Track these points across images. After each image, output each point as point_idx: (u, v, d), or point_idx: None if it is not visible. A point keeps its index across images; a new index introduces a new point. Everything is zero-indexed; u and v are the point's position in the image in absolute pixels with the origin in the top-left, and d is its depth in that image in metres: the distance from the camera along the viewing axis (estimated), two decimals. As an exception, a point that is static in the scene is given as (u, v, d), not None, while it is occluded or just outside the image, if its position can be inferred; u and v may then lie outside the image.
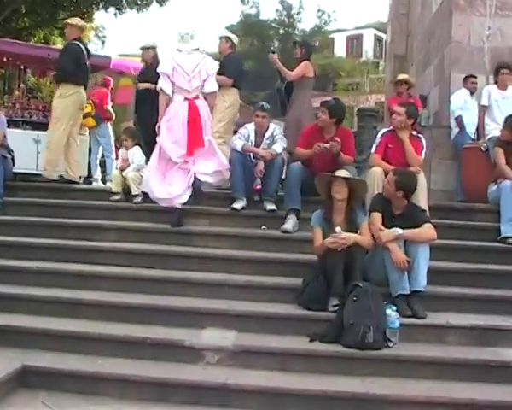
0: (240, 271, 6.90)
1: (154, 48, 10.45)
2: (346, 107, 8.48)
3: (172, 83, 8.31)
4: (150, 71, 9.82)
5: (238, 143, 8.16)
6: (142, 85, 10.15)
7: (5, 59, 13.76)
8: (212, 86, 8.55)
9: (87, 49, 10.09)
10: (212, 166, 8.34)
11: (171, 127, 8.23)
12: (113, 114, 12.94)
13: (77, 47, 9.71)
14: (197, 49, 8.58)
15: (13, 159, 9.20)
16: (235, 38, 10.39)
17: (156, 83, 8.71)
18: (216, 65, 8.67)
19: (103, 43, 33.16)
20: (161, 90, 8.36)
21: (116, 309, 6.23)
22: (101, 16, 79.43)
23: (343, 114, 8.11)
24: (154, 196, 8.14)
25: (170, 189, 8.10)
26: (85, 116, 11.78)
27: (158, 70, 8.51)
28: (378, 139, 7.83)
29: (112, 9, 25.49)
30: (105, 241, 7.56)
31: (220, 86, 9.13)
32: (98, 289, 6.60)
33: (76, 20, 10.08)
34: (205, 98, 8.52)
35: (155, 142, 8.32)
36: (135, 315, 6.12)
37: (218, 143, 8.87)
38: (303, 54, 10.00)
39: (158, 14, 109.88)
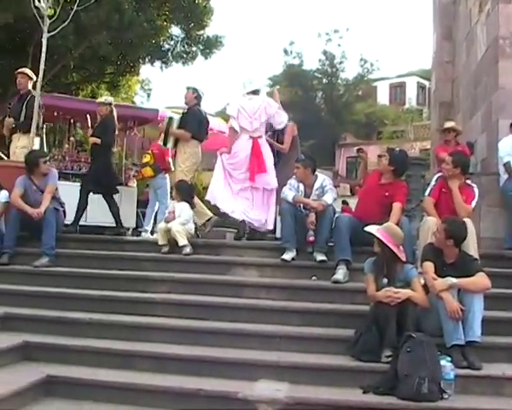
0: (291, 322, 6.86)
1: (110, 104, 10.93)
2: (408, 162, 8.46)
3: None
4: (100, 125, 10.90)
5: (289, 194, 8.22)
6: (91, 140, 10.97)
7: (56, 113, 14.05)
8: (279, 122, 9.75)
9: None
10: (258, 215, 9.33)
11: (236, 162, 9.37)
12: (173, 167, 13.09)
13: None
14: (257, 91, 9.68)
15: (64, 211, 9.35)
16: (201, 91, 10.73)
17: (102, 138, 10.46)
18: (275, 106, 9.64)
19: (149, 96, 33.64)
20: (232, 127, 9.41)
21: (168, 361, 6.24)
22: (147, 70, 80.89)
23: (403, 166, 8.15)
24: (221, 206, 9.35)
25: (234, 206, 9.28)
26: (144, 166, 11.99)
27: (227, 112, 9.54)
28: (433, 183, 7.84)
29: (158, 63, 25.85)
30: (156, 292, 7.60)
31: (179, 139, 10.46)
32: (150, 340, 6.63)
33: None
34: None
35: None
36: (187, 367, 6.13)
37: None
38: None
39: (203, 67, 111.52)
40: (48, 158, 9.23)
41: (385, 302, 6.05)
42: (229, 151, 9.45)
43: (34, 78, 10.61)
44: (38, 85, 10.63)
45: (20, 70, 10.76)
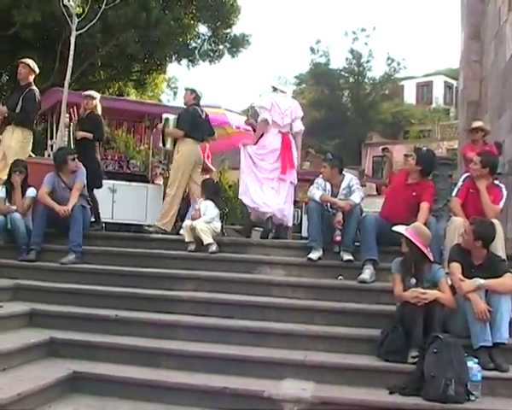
0: (317, 321, 6.86)
1: (95, 98, 10.82)
2: (436, 161, 8.40)
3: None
4: (89, 120, 10.69)
5: (316, 192, 8.20)
6: (80, 135, 10.64)
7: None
8: (298, 126, 10.04)
9: None
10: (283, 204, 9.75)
11: (265, 153, 9.76)
12: (213, 168, 13.08)
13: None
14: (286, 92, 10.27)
15: (91, 209, 9.41)
16: (199, 91, 10.79)
17: (92, 132, 10.42)
18: (301, 111, 10.06)
19: (175, 94, 33.76)
20: (265, 120, 9.69)
21: (194, 359, 6.26)
22: (173, 68, 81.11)
23: (430, 165, 8.07)
24: (252, 202, 9.66)
25: (265, 199, 9.63)
26: None
27: (259, 104, 9.89)
28: (460, 183, 7.78)
29: (184, 61, 25.93)
30: (182, 290, 7.62)
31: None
32: (176, 338, 6.66)
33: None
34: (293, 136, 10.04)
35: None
36: (213, 365, 6.15)
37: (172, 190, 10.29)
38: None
39: (230, 65, 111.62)
40: (76, 155, 9.26)
41: (412, 303, 6.03)
42: (254, 143, 9.88)
43: (37, 71, 10.27)
44: (66, 83, 10.73)
45: (22, 60, 10.37)
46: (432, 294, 6.07)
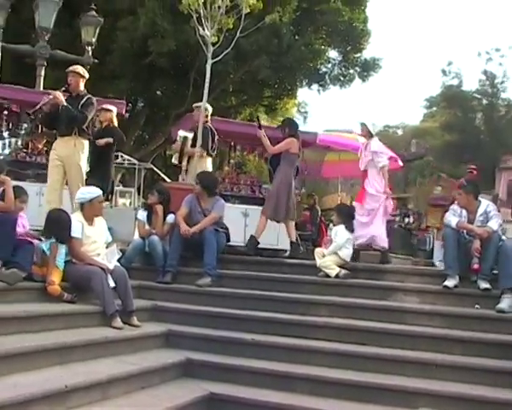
0: (452, 350, 6.72)
1: (111, 111, 10.69)
2: None
3: None
4: (107, 133, 10.44)
5: (452, 219, 8.05)
6: (102, 141, 10.24)
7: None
8: (380, 162, 10.01)
9: None
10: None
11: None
12: None
13: None
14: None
15: (227, 234, 9.51)
16: (210, 109, 11.10)
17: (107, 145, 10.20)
18: (378, 144, 10.25)
19: (305, 118, 33.96)
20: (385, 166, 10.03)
21: (328, 384, 6.30)
22: (303, 92, 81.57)
23: None
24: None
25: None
26: None
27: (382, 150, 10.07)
28: None
29: (315, 86, 26.05)
30: (316, 316, 7.63)
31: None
32: (310, 363, 6.71)
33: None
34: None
35: None
36: (347, 392, 6.16)
37: None
38: (287, 131, 10.43)
39: (360, 89, 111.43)
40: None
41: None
42: None
43: (86, 76, 9.80)
44: (202, 109, 11.00)
45: (70, 68, 9.83)
46: None
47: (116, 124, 10.87)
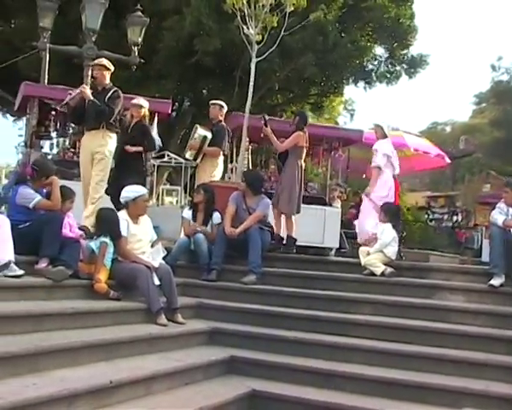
0: (498, 350, 6.65)
1: (143, 107, 9.90)
2: None
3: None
4: (136, 129, 9.80)
5: (499, 217, 7.95)
6: (132, 149, 9.65)
7: (262, 135, 14.45)
8: (374, 162, 9.94)
9: None
10: None
11: (387, 196, 9.69)
12: None
13: None
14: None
15: (270, 232, 9.55)
16: (225, 107, 10.96)
17: (141, 143, 9.67)
18: (383, 145, 10.07)
19: (352, 116, 33.77)
20: (379, 167, 9.86)
21: (370, 383, 6.29)
22: (350, 90, 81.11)
23: None
24: None
25: None
26: None
27: (384, 151, 9.83)
28: None
29: (361, 83, 25.87)
30: (359, 314, 7.63)
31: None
32: (352, 361, 6.70)
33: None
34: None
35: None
36: (388, 390, 6.15)
37: None
38: (296, 123, 10.44)
39: (407, 86, 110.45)
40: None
41: None
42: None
43: (112, 68, 9.50)
44: (247, 108, 11.04)
45: (95, 61, 9.78)
46: None
47: (155, 121, 11.24)
